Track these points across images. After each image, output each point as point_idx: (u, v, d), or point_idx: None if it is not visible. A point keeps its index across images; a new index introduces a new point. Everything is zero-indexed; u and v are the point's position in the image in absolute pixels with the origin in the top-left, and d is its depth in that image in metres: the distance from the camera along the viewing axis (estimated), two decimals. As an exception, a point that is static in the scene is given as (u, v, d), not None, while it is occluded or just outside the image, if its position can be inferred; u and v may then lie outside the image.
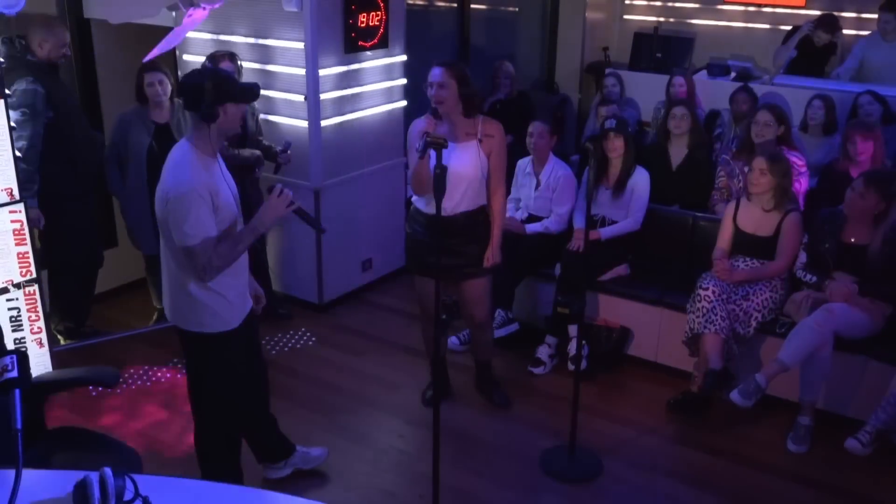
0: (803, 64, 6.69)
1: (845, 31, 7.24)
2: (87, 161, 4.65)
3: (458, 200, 3.88)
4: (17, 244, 3.92)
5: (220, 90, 2.88)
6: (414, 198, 4.02)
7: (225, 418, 3.28)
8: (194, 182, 2.85)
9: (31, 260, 3.97)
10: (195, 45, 5.30)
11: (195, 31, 5.02)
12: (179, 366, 4.66)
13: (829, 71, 6.71)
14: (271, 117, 5.17)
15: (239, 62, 4.79)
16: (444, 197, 3.77)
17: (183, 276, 2.99)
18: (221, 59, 4.68)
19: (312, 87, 4.94)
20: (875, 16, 6.63)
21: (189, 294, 3.00)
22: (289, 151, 4.89)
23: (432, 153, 3.39)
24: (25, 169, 4.10)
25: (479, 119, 3.91)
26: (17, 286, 3.93)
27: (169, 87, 4.71)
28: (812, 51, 6.74)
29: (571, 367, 4.53)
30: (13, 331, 3.94)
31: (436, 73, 3.78)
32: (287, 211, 2.99)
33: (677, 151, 5.19)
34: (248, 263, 3.22)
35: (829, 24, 6.70)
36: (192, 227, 2.84)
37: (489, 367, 4.43)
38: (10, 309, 3.93)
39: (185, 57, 5.38)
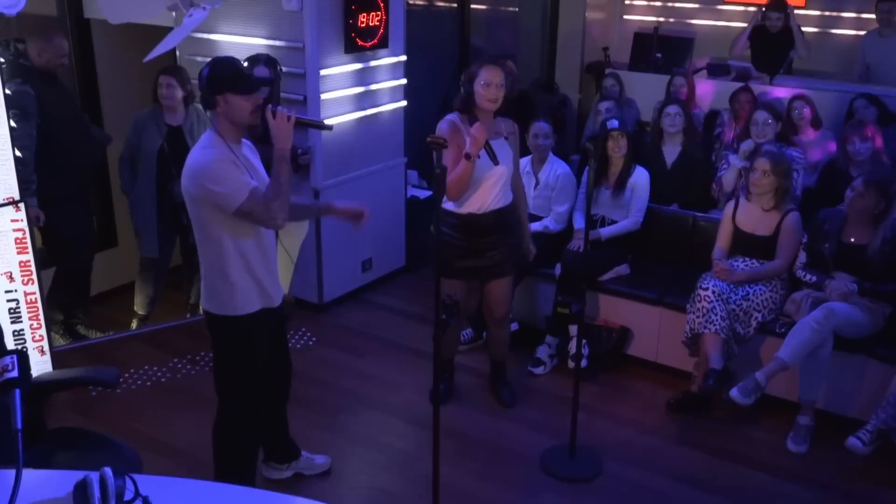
0: (762, 54, 6.71)
1: (845, 31, 7.25)
2: (78, 166, 4.65)
3: (492, 198, 3.91)
4: (19, 252, 3.93)
5: (215, 78, 2.96)
6: (444, 199, 3.94)
7: (248, 409, 3.30)
8: (218, 152, 2.96)
9: (34, 268, 3.98)
10: (195, 45, 5.30)
11: (195, 31, 5.02)
12: (179, 366, 4.66)
13: (793, 58, 6.71)
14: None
15: (279, 67, 4.82)
16: (476, 197, 3.86)
17: (218, 257, 3.06)
18: (256, 62, 4.71)
19: (312, 87, 4.95)
20: (875, 16, 6.64)
21: (224, 275, 3.07)
22: (308, 154, 4.93)
23: (483, 154, 3.62)
24: (22, 169, 4.11)
25: (499, 118, 3.92)
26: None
27: (179, 91, 4.72)
28: (768, 39, 6.74)
29: (572, 364, 4.53)
30: (12, 322, 3.94)
31: (494, 73, 3.75)
32: (291, 125, 3.01)
33: (671, 150, 5.20)
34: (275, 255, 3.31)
35: (778, 2, 6.68)
36: (232, 185, 2.92)
37: (504, 366, 4.44)
38: (8, 301, 3.93)
39: (186, 57, 5.37)
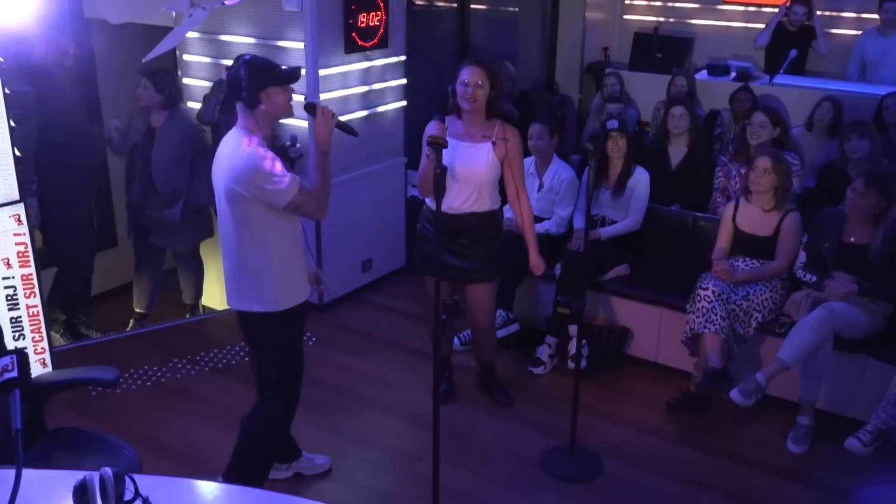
0: (775, 52, 6.70)
1: (845, 31, 7.25)
2: (78, 165, 4.65)
3: (464, 200, 3.87)
4: (21, 266, 3.93)
5: (256, 75, 2.97)
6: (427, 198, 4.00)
7: (283, 408, 3.35)
8: (263, 151, 2.97)
9: (35, 281, 3.98)
10: (195, 45, 5.30)
11: (195, 31, 5.02)
12: (179, 366, 4.66)
13: (792, 56, 6.71)
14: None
15: None
16: (449, 196, 3.81)
17: (256, 256, 3.09)
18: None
19: (312, 87, 4.95)
20: (876, 16, 6.65)
21: (264, 273, 3.11)
22: (298, 145, 4.93)
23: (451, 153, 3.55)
24: (22, 169, 4.10)
25: (497, 123, 3.87)
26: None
27: (154, 93, 4.68)
28: (787, 38, 6.74)
29: (571, 365, 4.53)
30: (9, 310, 3.94)
31: (472, 72, 3.74)
32: (334, 121, 3.15)
33: (677, 151, 5.19)
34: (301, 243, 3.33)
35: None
36: (282, 182, 2.97)
37: (492, 368, 4.43)
38: (6, 287, 3.93)
39: (185, 57, 5.38)
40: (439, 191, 3.13)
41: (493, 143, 3.83)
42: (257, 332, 3.26)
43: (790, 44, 6.72)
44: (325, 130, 3.13)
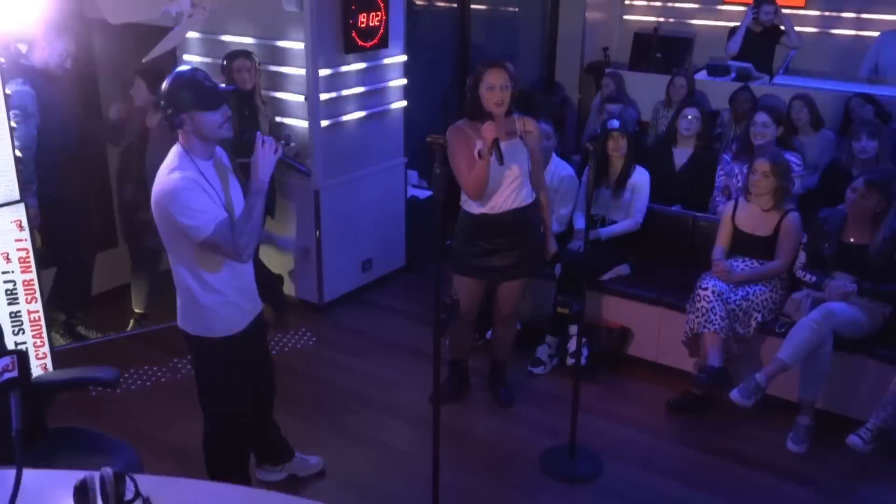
0: (750, 55, 6.72)
1: (845, 32, 7.25)
2: (78, 165, 4.65)
3: (506, 198, 3.90)
4: (22, 271, 3.94)
5: (174, 96, 2.79)
6: (462, 200, 4.02)
7: (231, 421, 3.27)
8: (181, 176, 2.79)
9: (37, 286, 3.99)
10: (195, 45, 5.30)
11: (195, 31, 5.02)
12: (179, 366, 4.66)
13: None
14: (272, 117, 5.18)
15: (257, 61, 4.79)
16: (491, 197, 3.88)
17: (188, 279, 2.97)
18: (235, 58, 4.69)
19: (312, 87, 4.95)
20: (875, 16, 6.65)
21: (194, 298, 2.98)
22: (292, 143, 4.94)
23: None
24: (22, 170, 4.10)
25: (515, 117, 3.93)
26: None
27: (146, 93, 4.65)
28: (754, 40, 6.76)
29: (570, 361, 4.54)
30: (9, 304, 3.94)
31: (500, 76, 3.79)
32: (276, 158, 2.87)
33: (682, 152, 5.20)
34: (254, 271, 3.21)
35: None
36: (197, 218, 2.78)
37: (504, 365, 4.43)
38: (5, 283, 3.93)
39: (185, 57, 5.37)
40: (439, 191, 3.12)
41: (521, 138, 3.90)
42: (194, 353, 3.16)
43: (757, 45, 6.72)
44: (264, 165, 2.84)
